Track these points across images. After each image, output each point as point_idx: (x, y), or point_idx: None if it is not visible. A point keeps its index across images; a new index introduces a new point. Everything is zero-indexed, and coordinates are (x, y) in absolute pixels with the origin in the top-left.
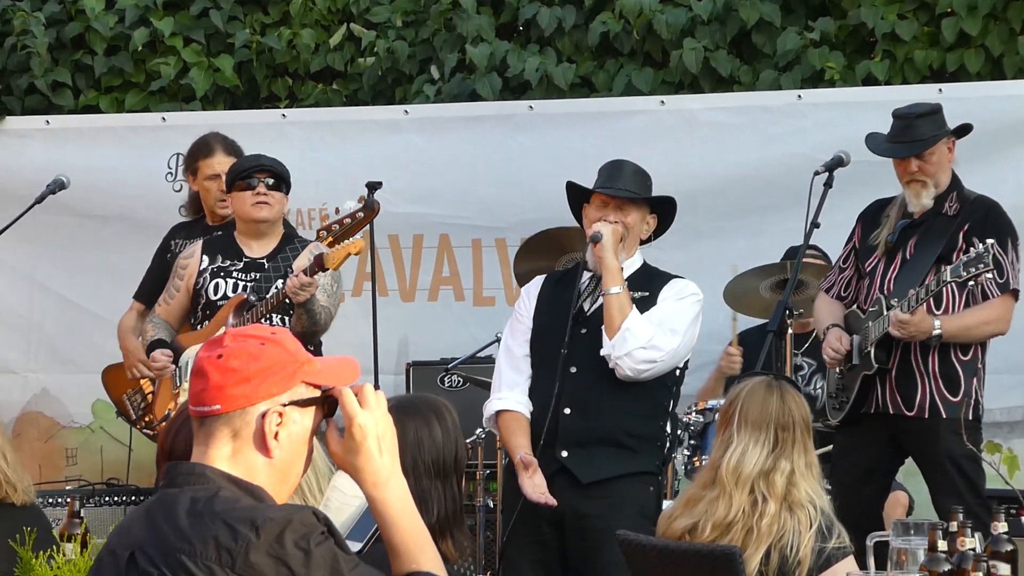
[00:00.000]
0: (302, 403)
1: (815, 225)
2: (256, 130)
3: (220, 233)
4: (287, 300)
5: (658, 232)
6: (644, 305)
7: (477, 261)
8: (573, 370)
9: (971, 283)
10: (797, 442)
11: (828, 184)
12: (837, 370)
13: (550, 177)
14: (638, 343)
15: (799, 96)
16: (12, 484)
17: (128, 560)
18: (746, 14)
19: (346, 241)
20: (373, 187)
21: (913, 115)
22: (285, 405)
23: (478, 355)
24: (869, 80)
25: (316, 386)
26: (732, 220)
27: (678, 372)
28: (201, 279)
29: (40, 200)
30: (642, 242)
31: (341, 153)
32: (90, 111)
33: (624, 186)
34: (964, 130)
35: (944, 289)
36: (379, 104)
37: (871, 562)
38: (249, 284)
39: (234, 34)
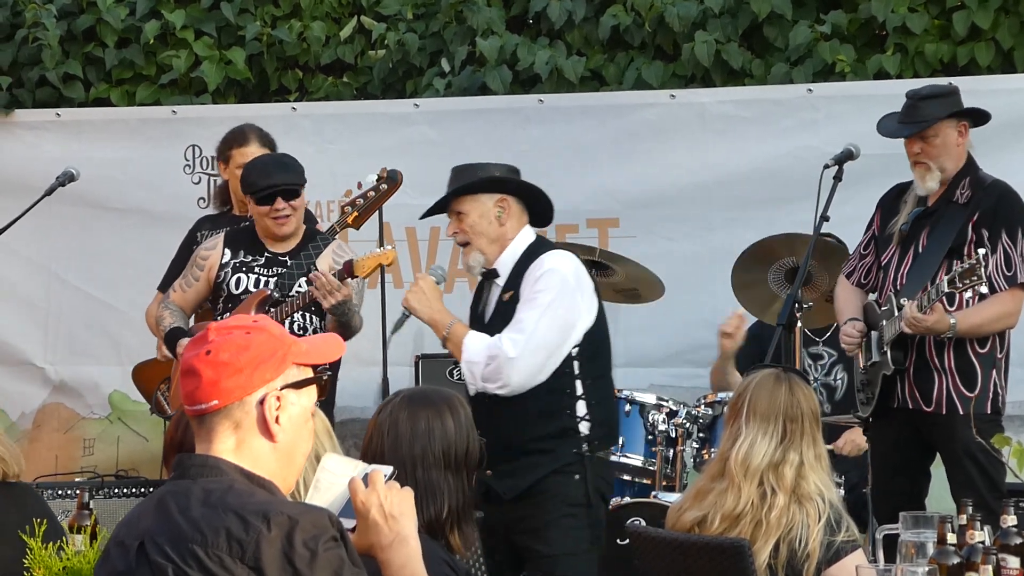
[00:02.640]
0: (297, 384)
1: (824, 218)
2: (267, 123)
3: (244, 225)
4: (313, 303)
5: (539, 210)
6: (512, 308)
7: None
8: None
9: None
10: (806, 434)
11: (838, 177)
12: (861, 365)
13: (562, 170)
14: (480, 368)
15: (810, 90)
16: (3, 458)
17: (138, 549)
18: (757, 7)
19: (378, 250)
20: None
21: (919, 96)
22: (281, 389)
23: None
24: (880, 74)
25: (306, 365)
26: (742, 213)
27: (575, 351)
28: (223, 272)
29: (50, 192)
30: (533, 220)
31: (353, 146)
32: (101, 104)
33: (449, 192)
34: (981, 117)
35: None
36: (389, 97)
37: (880, 555)
38: (271, 279)
39: (245, 27)
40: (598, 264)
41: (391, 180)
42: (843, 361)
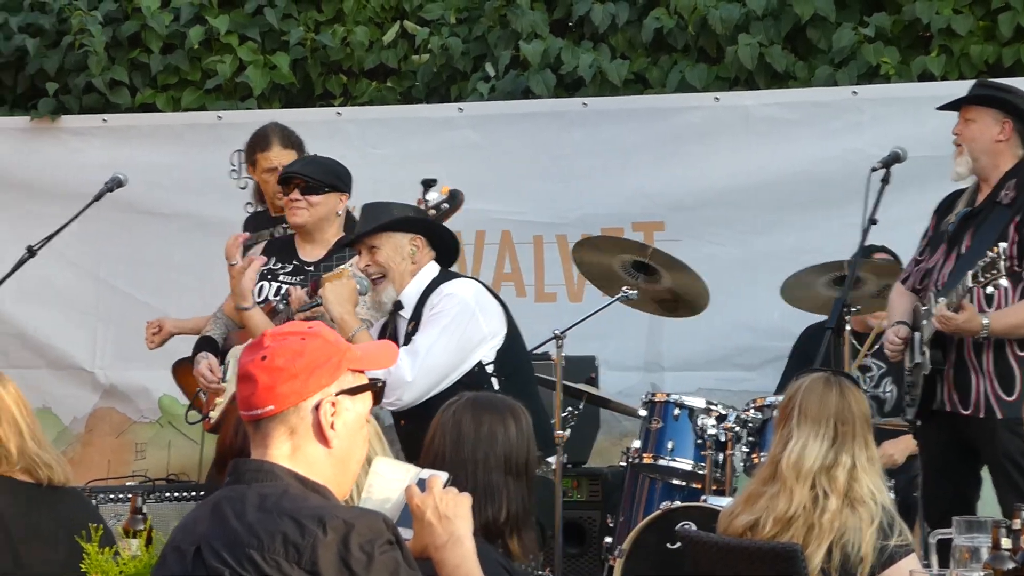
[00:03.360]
0: (352, 390)
1: (872, 222)
2: (311, 128)
3: (288, 233)
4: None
5: (445, 247)
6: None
7: (539, 257)
8: (402, 423)
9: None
10: (857, 436)
11: (885, 180)
12: (906, 367)
13: (607, 174)
14: None
15: (854, 92)
16: (48, 464)
17: (194, 555)
18: (801, 9)
19: (337, 267)
20: (428, 184)
21: (982, 83)
22: (336, 395)
23: (535, 352)
24: (925, 75)
25: (360, 372)
26: (788, 216)
27: (491, 368)
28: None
29: (98, 198)
30: (440, 259)
31: (397, 150)
32: (147, 109)
33: (360, 229)
34: None
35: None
36: (433, 102)
37: (934, 559)
38: (288, 287)
39: (288, 32)
40: (645, 267)
41: (453, 199)
42: (892, 373)
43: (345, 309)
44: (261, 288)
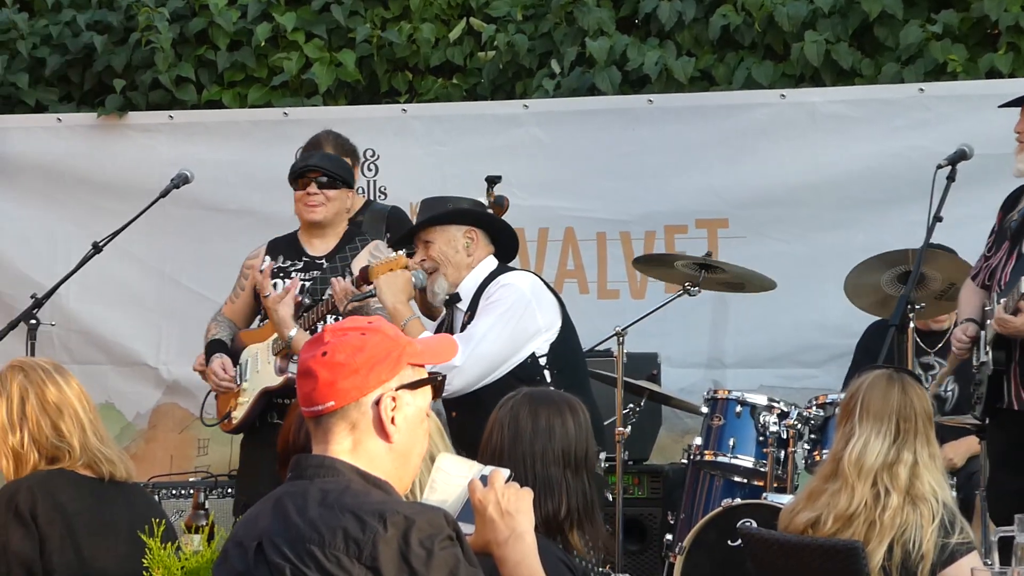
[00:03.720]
0: (412, 385)
1: (937, 219)
2: (377, 124)
3: (290, 232)
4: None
5: (505, 242)
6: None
7: (602, 254)
8: (454, 415)
9: None
10: (920, 433)
11: (951, 178)
12: (973, 364)
13: (670, 171)
14: None
15: (921, 89)
16: (110, 460)
17: (256, 550)
18: (868, 6)
19: (392, 256)
20: (493, 181)
21: None
22: (397, 389)
23: (596, 348)
24: (992, 73)
25: (420, 366)
26: (853, 213)
27: (543, 361)
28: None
29: (164, 194)
30: (500, 255)
31: (462, 147)
32: (213, 106)
33: (410, 226)
34: None
35: None
36: (498, 99)
37: (996, 557)
38: (307, 283)
39: (355, 29)
40: (707, 266)
41: (498, 205)
42: (954, 372)
43: (398, 299)
44: (276, 287)
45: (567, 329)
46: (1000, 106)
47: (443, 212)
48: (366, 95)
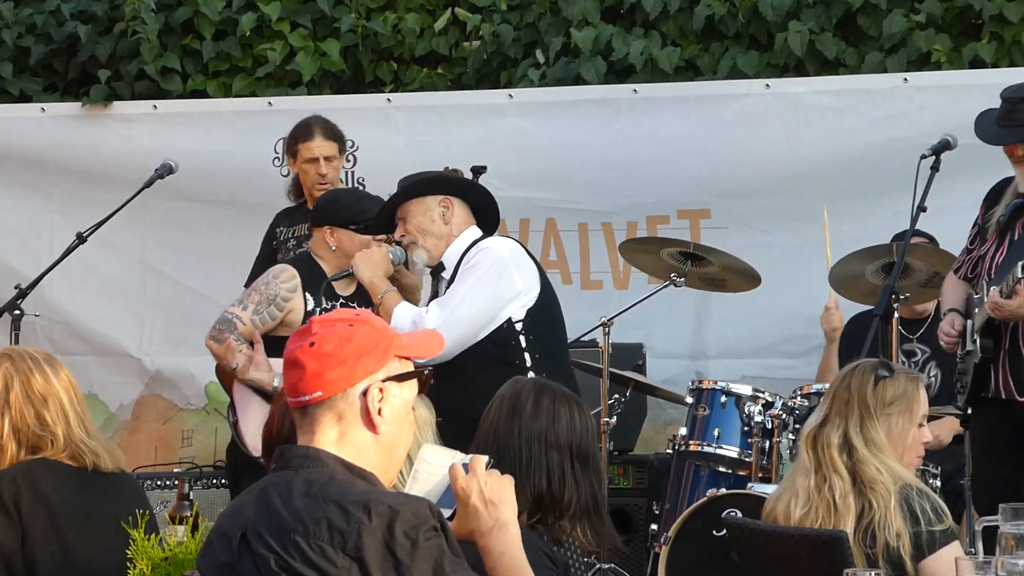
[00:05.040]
0: (399, 377)
1: (921, 209)
2: (362, 114)
3: (311, 262)
4: None
5: (486, 211)
6: None
7: (584, 245)
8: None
9: None
10: (852, 417)
11: (935, 168)
12: (957, 354)
13: (655, 161)
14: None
15: (905, 79)
16: (95, 452)
17: (240, 540)
18: None
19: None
20: (478, 171)
21: (1017, 99)
22: (384, 381)
23: (582, 339)
24: (976, 63)
25: (408, 359)
26: (837, 203)
27: (519, 326)
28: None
29: (149, 184)
30: (482, 227)
31: (446, 137)
32: (198, 96)
33: (383, 204)
34: None
35: None
36: (483, 88)
37: (980, 547)
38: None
39: (340, 19)
40: (693, 256)
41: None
42: (936, 358)
43: (374, 274)
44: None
45: (546, 296)
46: (981, 138)
47: (412, 182)
48: (351, 85)
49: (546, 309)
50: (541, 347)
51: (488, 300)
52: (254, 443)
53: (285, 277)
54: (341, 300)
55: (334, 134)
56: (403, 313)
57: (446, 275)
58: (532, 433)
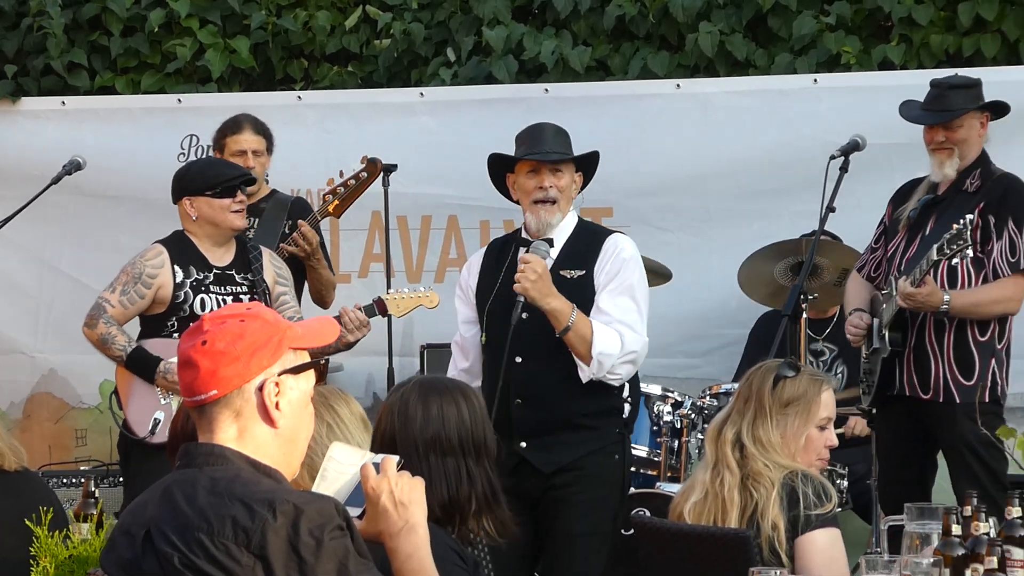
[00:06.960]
0: (295, 370)
1: (831, 209)
2: (272, 112)
3: (180, 236)
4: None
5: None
6: (582, 287)
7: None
8: (518, 360)
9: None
10: (747, 415)
11: (844, 168)
12: (863, 354)
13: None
14: (613, 360)
15: (815, 80)
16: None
17: (144, 538)
18: None
19: (420, 291)
20: (388, 169)
21: (947, 85)
22: (280, 374)
23: None
24: (885, 64)
25: (303, 350)
26: (746, 203)
27: None
28: (182, 293)
29: (56, 181)
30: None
31: (356, 135)
32: (106, 92)
33: (551, 148)
34: (1001, 109)
35: (960, 267)
36: (394, 87)
37: (885, 546)
38: (228, 299)
39: (250, 16)
40: None
41: (372, 165)
42: (843, 356)
43: (552, 294)
44: (203, 302)
45: None
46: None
47: (593, 155)
48: (261, 82)
49: None
50: None
51: (646, 304)
52: (137, 424)
53: (150, 255)
54: (216, 270)
55: (263, 130)
56: (608, 338)
57: (553, 254)
58: (428, 444)
